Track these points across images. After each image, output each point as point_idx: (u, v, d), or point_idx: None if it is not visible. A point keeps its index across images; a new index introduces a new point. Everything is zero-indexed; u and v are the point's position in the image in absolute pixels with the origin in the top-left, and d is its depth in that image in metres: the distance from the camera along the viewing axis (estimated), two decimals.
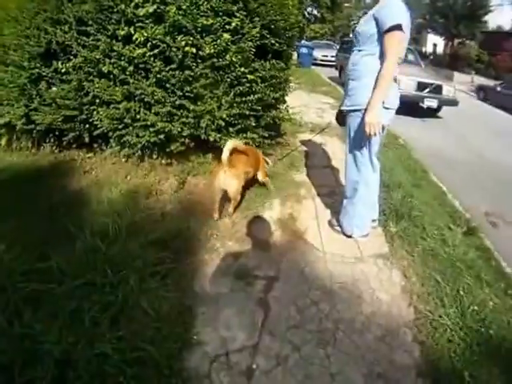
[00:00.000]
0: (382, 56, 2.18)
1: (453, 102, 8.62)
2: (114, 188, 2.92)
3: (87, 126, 3.04)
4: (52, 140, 3.33)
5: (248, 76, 2.81)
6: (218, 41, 2.61)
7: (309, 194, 3.36)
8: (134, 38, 2.63)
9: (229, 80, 2.79)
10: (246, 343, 1.80)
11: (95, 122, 2.92)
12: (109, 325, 1.67)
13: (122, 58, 2.70)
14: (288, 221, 2.87)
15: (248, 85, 2.84)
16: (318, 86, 9.96)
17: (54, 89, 2.93)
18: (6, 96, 2.98)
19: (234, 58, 2.64)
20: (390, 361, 1.80)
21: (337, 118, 2.82)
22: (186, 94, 2.76)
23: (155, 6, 2.53)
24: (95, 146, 3.30)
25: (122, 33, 2.64)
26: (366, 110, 2.22)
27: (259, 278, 2.24)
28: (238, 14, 2.65)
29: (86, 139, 3.15)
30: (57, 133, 3.21)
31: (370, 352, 1.83)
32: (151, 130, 2.84)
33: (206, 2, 2.59)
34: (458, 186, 4.58)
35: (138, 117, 2.85)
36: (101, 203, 2.72)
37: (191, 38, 2.59)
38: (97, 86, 2.79)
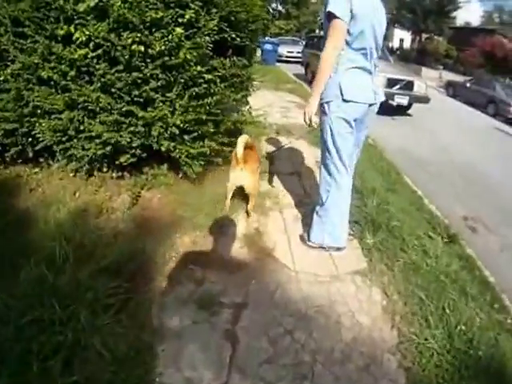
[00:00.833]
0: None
1: (424, 99, 8.88)
2: (62, 207, 2.75)
3: (30, 139, 2.82)
4: None
5: (205, 75, 2.64)
6: (170, 36, 2.44)
7: (275, 205, 3.26)
8: (74, 37, 2.44)
9: (183, 81, 2.62)
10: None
11: (37, 135, 2.71)
12: (61, 369, 1.56)
13: (63, 62, 2.51)
14: (254, 236, 2.75)
15: (205, 86, 2.67)
16: (282, 84, 9.98)
17: None
18: None
19: (188, 56, 2.47)
20: None
21: None
22: (135, 98, 2.57)
23: (97, 0, 2.35)
24: (42, 160, 3.10)
25: (62, 32, 2.44)
26: (326, 103, 2.32)
27: (225, 305, 2.10)
28: (192, 5, 2.48)
29: (30, 154, 2.94)
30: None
31: None
32: (97, 141, 2.65)
33: None
34: (432, 188, 4.72)
35: (82, 127, 2.68)
36: (48, 224, 2.55)
37: (138, 35, 2.41)
38: (37, 94, 2.58)
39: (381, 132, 6.20)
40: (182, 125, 2.62)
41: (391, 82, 8.24)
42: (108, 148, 2.67)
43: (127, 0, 2.37)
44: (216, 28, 2.61)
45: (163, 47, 2.44)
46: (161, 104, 2.61)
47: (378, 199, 3.35)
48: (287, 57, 18.66)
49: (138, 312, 1.96)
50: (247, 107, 3.67)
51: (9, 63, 2.61)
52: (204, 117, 2.72)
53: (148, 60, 2.52)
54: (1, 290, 1.80)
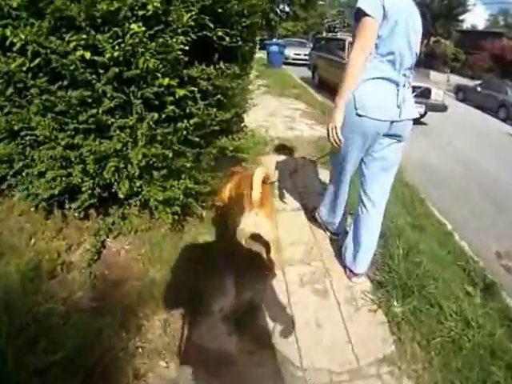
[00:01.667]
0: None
1: (442, 108, 8.00)
2: (13, 259, 2.08)
3: None
4: None
5: (177, 91, 1.82)
6: (126, 37, 1.69)
7: (276, 260, 2.38)
8: (7, 42, 1.72)
9: (143, 99, 1.84)
10: None
11: None
12: None
13: None
14: (247, 315, 1.96)
15: (178, 105, 1.88)
16: (288, 89, 9.13)
17: None
18: None
19: (150, 64, 1.69)
20: None
21: None
22: (82, 125, 1.83)
23: None
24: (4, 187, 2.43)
25: None
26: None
27: None
28: None
29: None
30: None
31: None
32: (42, 180, 1.97)
33: None
34: (460, 216, 4.14)
35: (26, 161, 2.02)
36: None
37: (84, 36, 1.67)
38: None
39: None
40: (144, 161, 1.83)
41: None
42: (57, 189, 1.96)
43: None
44: (194, 23, 1.81)
45: (116, 52, 1.68)
46: (117, 131, 1.84)
47: (404, 244, 2.59)
48: (294, 59, 17.85)
49: None
50: (242, 124, 2.85)
51: None
52: (177, 147, 1.92)
53: (100, 71, 1.77)
54: None
